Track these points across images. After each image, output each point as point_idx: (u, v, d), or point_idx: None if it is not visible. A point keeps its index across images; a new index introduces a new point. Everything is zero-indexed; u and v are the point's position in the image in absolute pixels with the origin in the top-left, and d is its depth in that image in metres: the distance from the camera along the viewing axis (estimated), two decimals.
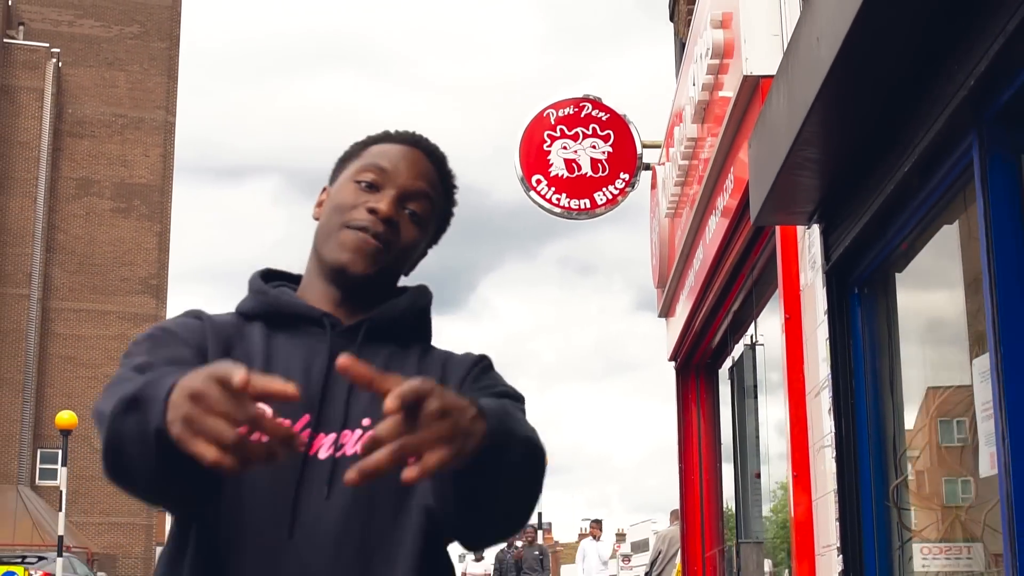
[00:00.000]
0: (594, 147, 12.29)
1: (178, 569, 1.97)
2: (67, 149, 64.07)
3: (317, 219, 2.21)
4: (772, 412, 8.29)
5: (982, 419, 4.18)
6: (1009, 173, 3.96)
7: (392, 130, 2.25)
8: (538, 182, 12.21)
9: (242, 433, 1.58)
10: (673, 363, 11.89)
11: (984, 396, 4.12)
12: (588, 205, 12.15)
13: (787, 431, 6.51)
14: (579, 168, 12.24)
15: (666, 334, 12.22)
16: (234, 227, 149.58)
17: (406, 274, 2.22)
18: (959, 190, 4.46)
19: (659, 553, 18.97)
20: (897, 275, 5.63)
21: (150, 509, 59.98)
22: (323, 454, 2.00)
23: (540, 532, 26.37)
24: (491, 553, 24.09)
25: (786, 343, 6.46)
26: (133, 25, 66.78)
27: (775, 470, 8.42)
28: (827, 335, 5.76)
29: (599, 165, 12.24)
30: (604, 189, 12.19)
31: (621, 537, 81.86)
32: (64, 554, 24.45)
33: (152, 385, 1.74)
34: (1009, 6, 3.58)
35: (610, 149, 12.25)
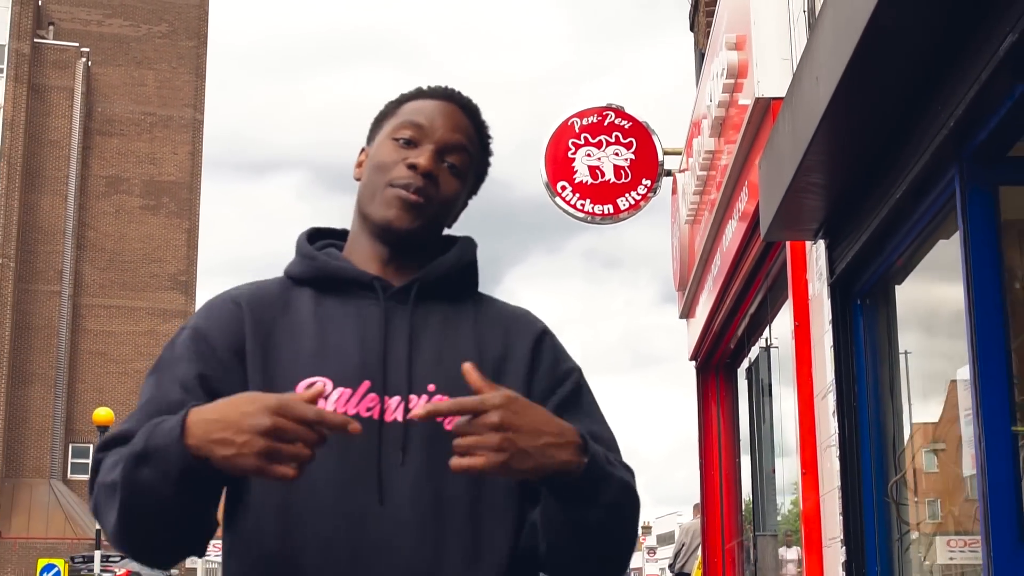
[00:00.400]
0: (617, 154, 12.72)
1: (249, 537, 2.00)
2: (97, 147, 64.76)
3: (358, 179, 2.23)
4: (786, 411, 8.74)
5: (964, 424, 4.64)
6: (986, 204, 4.42)
7: (425, 86, 2.27)
8: (563, 188, 12.64)
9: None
10: (693, 362, 12.34)
11: (965, 403, 4.58)
12: (611, 210, 12.57)
13: (797, 431, 6.97)
14: (603, 175, 12.66)
15: (687, 334, 12.68)
16: (260, 222, 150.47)
17: (449, 226, 2.24)
18: (947, 215, 4.91)
19: (682, 545, 19.40)
20: (897, 287, 6.08)
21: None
22: (389, 417, 2.02)
23: None
24: None
25: (796, 349, 6.92)
26: (161, 24, 67.39)
27: (790, 466, 8.87)
28: (832, 342, 6.22)
29: (622, 172, 12.66)
30: (627, 195, 12.61)
31: (647, 530, 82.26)
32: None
33: (153, 436, 1.84)
34: (984, 56, 4.03)
35: (632, 156, 12.66)
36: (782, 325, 8.44)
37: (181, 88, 67.03)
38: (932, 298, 5.90)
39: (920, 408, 5.93)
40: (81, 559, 31.90)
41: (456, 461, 1.79)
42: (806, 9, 6.73)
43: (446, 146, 2.17)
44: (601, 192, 12.59)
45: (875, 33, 4.11)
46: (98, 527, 24.86)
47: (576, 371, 2.17)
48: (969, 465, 4.61)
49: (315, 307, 2.09)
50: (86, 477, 61.49)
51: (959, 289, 5.18)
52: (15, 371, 59.56)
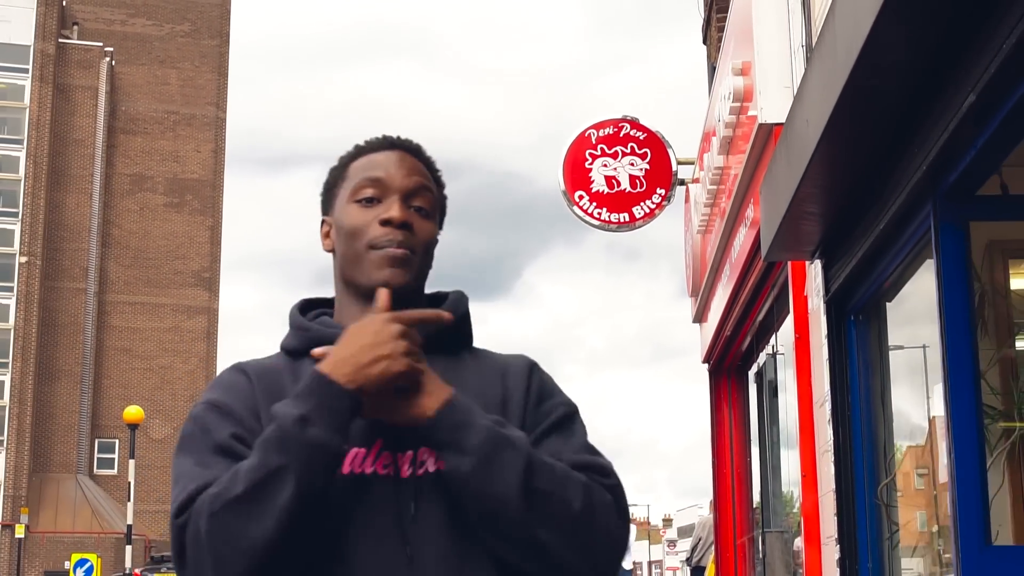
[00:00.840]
0: (632, 164, 13.18)
1: None
2: (121, 146, 65.48)
3: (329, 251, 2.24)
4: (791, 415, 9.23)
5: (941, 436, 5.12)
6: (958, 238, 4.91)
7: (361, 142, 2.28)
8: (580, 198, 13.11)
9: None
10: (706, 365, 12.83)
11: (941, 414, 5.07)
12: (627, 219, 13.04)
13: (797, 436, 7.47)
14: (618, 184, 13.13)
15: (700, 338, 13.17)
16: (281, 217, 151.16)
17: (431, 267, 2.25)
18: (925, 244, 5.40)
19: (699, 540, 19.92)
20: (888, 305, 6.56)
21: None
22: (405, 473, 2.04)
23: None
24: None
25: (796, 359, 7.42)
26: (184, 23, 68.03)
27: (795, 467, 9.36)
28: (827, 355, 6.71)
29: (637, 181, 13.12)
30: (642, 203, 13.07)
31: (668, 523, 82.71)
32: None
33: (300, 399, 1.95)
34: (951, 109, 4.52)
35: (647, 166, 13.12)
36: (786, 334, 8.93)
37: (204, 86, 67.72)
38: (918, 315, 6.38)
39: (907, 417, 6.41)
40: (161, 558, 32.52)
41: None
42: (803, 44, 7.21)
43: (409, 192, 2.18)
44: (617, 201, 13.06)
45: (855, 88, 4.60)
46: (129, 523, 25.41)
47: (570, 404, 2.21)
48: (944, 474, 5.09)
49: None
50: (112, 472, 62.12)
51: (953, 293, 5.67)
52: (42, 367, 60.33)
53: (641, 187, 13.12)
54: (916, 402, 6.42)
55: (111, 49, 65.34)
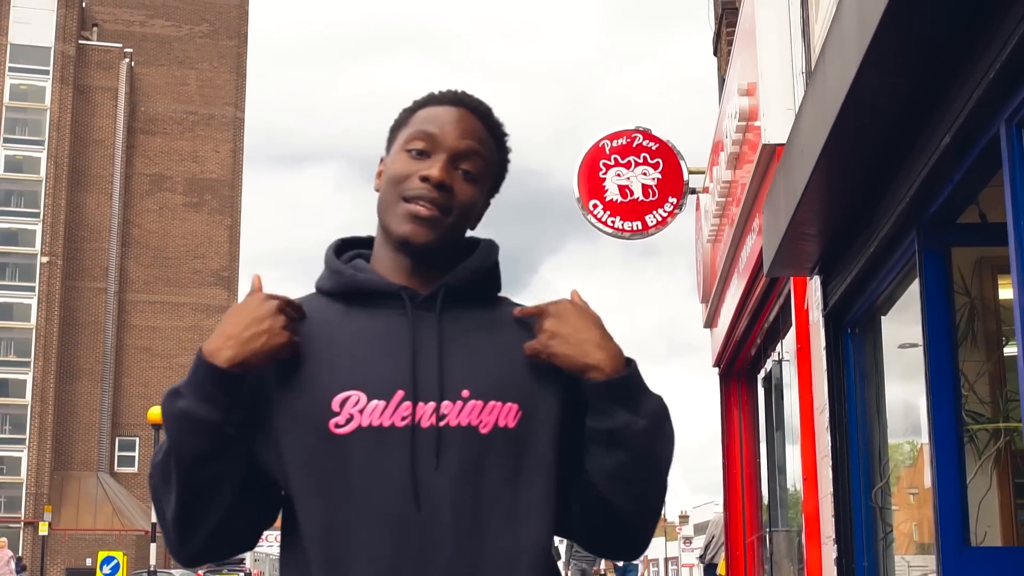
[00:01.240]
0: (645, 174, 13.58)
1: (300, 552, 2.07)
2: (140, 146, 66.05)
3: (377, 190, 2.23)
4: (796, 419, 9.63)
5: (927, 443, 5.53)
6: (939, 263, 5.32)
7: (436, 91, 2.28)
8: (595, 206, 13.52)
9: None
10: (717, 368, 13.24)
11: (925, 426, 5.48)
12: (640, 227, 13.44)
13: (799, 441, 7.88)
14: (631, 193, 13.53)
15: (710, 342, 13.57)
16: (298, 213, 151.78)
17: (472, 227, 2.25)
18: (912, 267, 5.81)
19: (712, 537, 20.30)
20: (883, 318, 6.96)
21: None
22: (425, 423, 2.05)
23: None
24: None
25: (798, 368, 7.82)
26: (203, 24, 68.56)
27: (799, 469, 9.76)
28: (826, 366, 7.12)
29: (649, 190, 13.52)
30: (654, 212, 13.47)
31: (684, 519, 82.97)
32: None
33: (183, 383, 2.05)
34: (932, 146, 4.92)
35: (659, 176, 13.51)
36: (791, 341, 9.33)
37: (222, 87, 68.26)
38: (911, 329, 6.78)
39: (899, 425, 6.82)
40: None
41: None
42: (803, 71, 7.61)
43: (458, 153, 2.18)
44: (630, 210, 13.45)
45: (843, 127, 5.01)
46: (154, 521, 25.95)
47: None
48: (928, 479, 5.50)
49: (346, 320, 2.13)
50: (132, 469, 62.77)
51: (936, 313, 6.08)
52: (63, 366, 60.95)
53: (653, 196, 13.52)
54: (908, 410, 6.82)
55: (130, 50, 65.91)
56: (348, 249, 2.27)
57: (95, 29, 66.64)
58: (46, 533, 43.09)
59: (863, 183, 5.72)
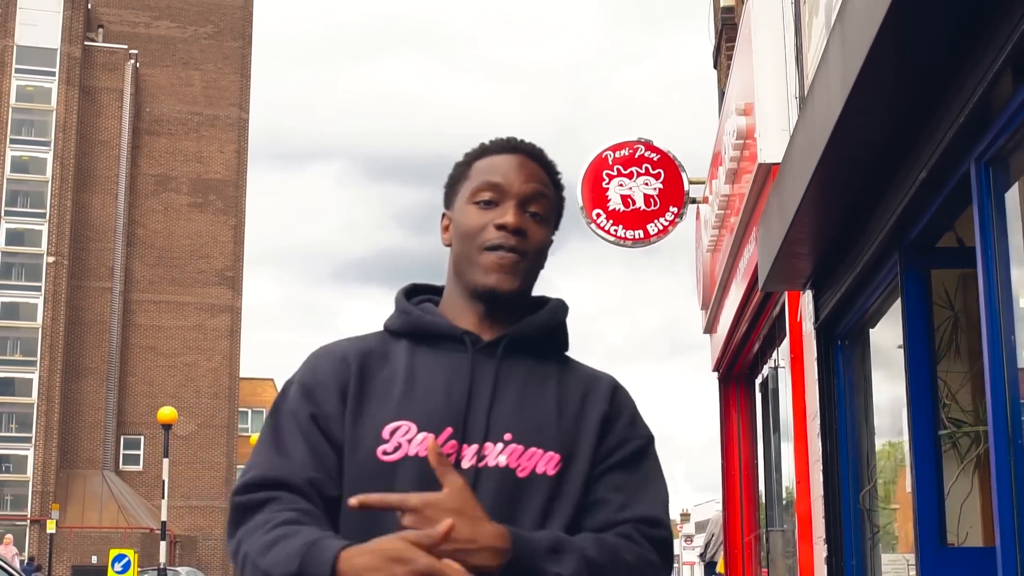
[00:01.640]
0: (647, 184, 13.99)
1: None
2: (145, 147, 66.45)
3: (447, 245, 2.32)
4: (791, 423, 10.05)
5: (907, 452, 5.96)
6: (920, 283, 5.76)
7: (487, 142, 2.36)
8: (598, 215, 13.93)
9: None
10: (716, 373, 13.66)
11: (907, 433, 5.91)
12: (642, 236, 13.86)
13: (793, 446, 8.31)
14: (634, 203, 13.94)
15: (710, 347, 14.00)
16: (301, 211, 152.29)
17: (543, 268, 2.31)
18: (896, 285, 6.23)
19: (712, 536, 20.73)
20: (871, 331, 7.38)
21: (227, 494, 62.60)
22: (466, 463, 2.13)
23: None
24: None
25: (792, 378, 8.25)
26: (207, 25, 68.95)
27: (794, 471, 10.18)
28: (817, 375, 7.55)
29: (651, 200, 13.94)
30: (656, 221, 13.88)
31: (686, 517, 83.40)
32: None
33: (311, 565, 1.97)
34: (910, 179, 5.35)
35: (661, 186, 13.92)
36: (786, 350, 9.75)
37: (227, 88, 68.65)
38: (897, 342, 7.21)
39: (886, 431, 7.24)
40: None
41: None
42: (796, 96, 8.04)
43: (526, 198, 2.26)
44: (632, 219, 13.87)
45: (830, 160, 5.44)
46: (164, 520, 26.38)
47: (646, 438, 2.30)
48: (908, 485, 5.93)
49: (409, 357, 2.23)
50: (137, 468, 63.01)
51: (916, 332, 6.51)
52: (69, 365, 61.39)
53: (655, 205, 13.93)
54: (895, 418, 7.25)
55: (135, 51, 66.30)
56: (418, 294, 2.37)
57: (100, 31, 67.06)
58: (54, 531, 43.53)
59: (850, 209, 6.14)
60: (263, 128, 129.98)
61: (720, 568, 17.40)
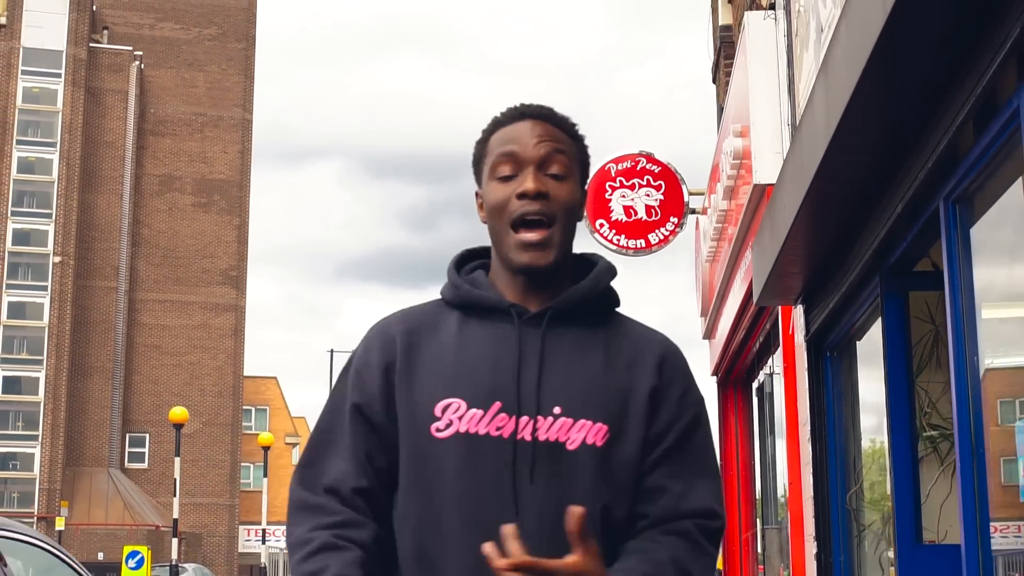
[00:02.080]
0: (648, 195, 14.54)
1: (395, 546, 2.26)
2: (150, 147, 67.00)
3: (484, 223, 2.36)
4: (784, 428, 10.60)
5: (887, 456, 6.53)
6: (899, 304, 6.32)
7: (499, 114, 2.40)
8: (601, 225, 14.49)
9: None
10: (715, 377, 14.23)
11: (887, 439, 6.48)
12: (643, 245, 14.41)
13: (785, 449, 8.87)
14: (635, 213, 14.49)
15: (709, 352, 14.57)
16: (302, 209, 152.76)
17: (580, 220, 2.36)
18: (878, 304, 6.80)
19: None
20: (857, 343, 7.94)
21: (232, 490, 63.67)
22: (518, 438, 2.20)
23: None
24: None
25: (785, 385, 8.81)
26: (211, 27, 69.48)
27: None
28: (807, 384, 8.12)
29: (652, 211, 14.49)
30: (657, 231, 14.44)
31: None
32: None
33: None
34: (889, 211, 5.91)
35: (662, 197, 14.48)
36: (780, 358, 10.31)
37: (230, 89, 69.19)
38: (880, 354, 7.78)
39: (870, 437, 7.81)
40: None
41: None
42: (789, 123, 8.60)
43: (542, 160, 2.30)
44: (634, 229, 14.43)
45: (816, 191, 6.00)
46: (176, 517, 26.95)
47: (698, 406, 2.36)
48: (889, 486, 6.50)
49: (459, 329, 2.29)
50: (142, 465, 63.46)
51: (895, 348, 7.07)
52: (75, 364, 61.95)
53: (656, 216, 14.49)
54: (879, 424, 7.81)
55: (140, 53, 66.81)
56: (471, 259, 2.44)
57: (105, 32, 67.58)
58: (63, 528, 44.09)
59: (836, 235, 6.71)
60: (264, 127, 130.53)
61: (719, 565, 17.97)
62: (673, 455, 2.27)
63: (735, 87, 10.61)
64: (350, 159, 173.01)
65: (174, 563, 26.67)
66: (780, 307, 9.05)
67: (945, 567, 5.86)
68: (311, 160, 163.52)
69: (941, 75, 4.78)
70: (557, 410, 2.22)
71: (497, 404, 2.21)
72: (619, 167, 14.73)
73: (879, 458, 7.73)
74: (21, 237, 62.03)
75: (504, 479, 2.18)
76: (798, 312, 8.46)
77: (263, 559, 44.67)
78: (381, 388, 2.29)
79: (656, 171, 14.67)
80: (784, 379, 8.84)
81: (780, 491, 11.02)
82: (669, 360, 2.34)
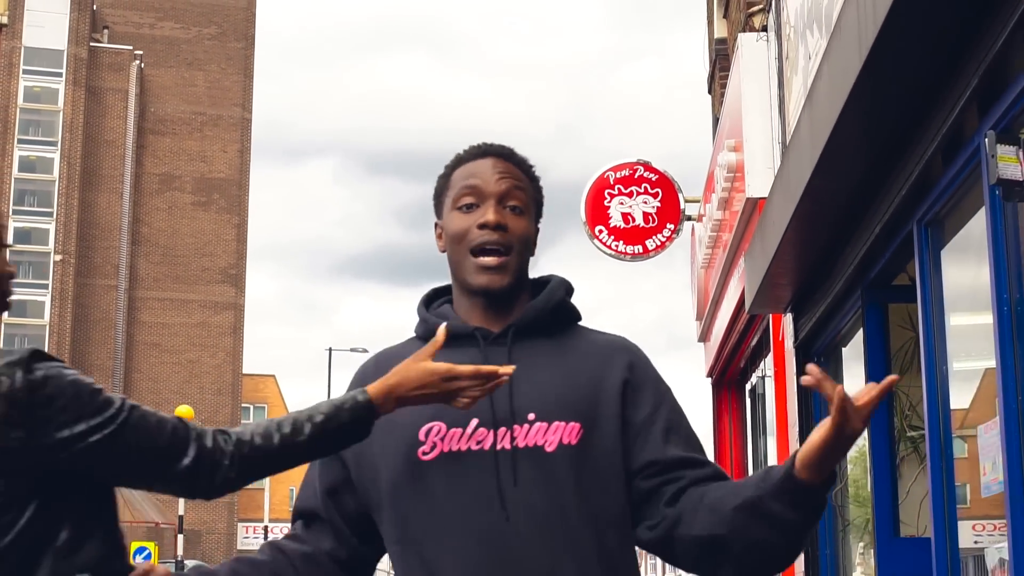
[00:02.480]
0: (645, 203, 15.05)
1: (399, 560, 2.39)
2: (150, 146, 67.35)
3: (443, 252, 2.51)
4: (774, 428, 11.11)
5: (868, 458, 7.04)
6: (878, 315, 6.84)
7: (461, 152, 2.55)
8: (600, 232, 14.99)
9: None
10: (709, 379, 14.75)
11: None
12: (641, 250, 14.92)
13: (776, 450, 9.39)
14: (633, 220, 15.00)
15: (704, 355, 15.09)
16: (299, 207, 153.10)
17: (532, 255, 2.51)
18: (860, 315, 7.32)
19: None
20: (843, 350, 8.46)
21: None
22: (499, 446, 2.34)
23: None
24: None
25: (775, 389, 9.33)
26: (211, 27, 69.84)
27: None
28: (795, 388, 8.64)
29: (650, 217, 15.00)
30: (654, 237, 14.95)
31: None
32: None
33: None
34: (869, 230, 6.42)
35: (659, 204, 14.98)
36: (771, 362, 10.82)
37: (230, 88, 69.56)
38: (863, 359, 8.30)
39: None
40: None
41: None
42: (779, 141, 9.12)
43: (502, 194, 2.46)
44: (632, 235, 14.92)
45: (803, 212, 6.52)
46: (181, 514, 27.38)
47: (669, 392, 2.52)
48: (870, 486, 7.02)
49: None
50: None
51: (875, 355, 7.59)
52: (75, 362, 62.35)
53: (653, 223, 14.99)
54: None
55: (140, 52, 67.17)
56: (439, 297, 2.60)
57: (106, 32, 67.96)
58: None
59: (821, 251, 7.24)
60: (261, 124, 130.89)
61: None
62: (672, 435, 2.44)
63: (729, 103, 11.12)
64: (347, 156, 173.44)
65: (179, 559, 27.15)
66: (771, 316, 9.57)
67: (919, 558, 6.38)
68: (308, 157, 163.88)
69: (912, 114, 5.29)
70: (531, 416, 2.36)
71: (475, 421, 2.36)
72: (618, 175, 15.23)
73: (862, 458, 8.25)
74: (22, 236, 62.47)
75: (489, 486, 2.32)
76: (787, 320, 8.97)
77: None
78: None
79: (653, 179, 15.17)
80: (774, 382, 9.36)
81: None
82: (636, 355, 2.51)
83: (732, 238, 10.90)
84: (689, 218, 15.03)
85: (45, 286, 61.83)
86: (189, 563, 43.02)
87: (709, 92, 16.27)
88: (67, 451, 2.15)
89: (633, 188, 15.13)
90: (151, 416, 2.21)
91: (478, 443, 2.36)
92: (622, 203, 15.07)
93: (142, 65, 67.09)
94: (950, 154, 5.25)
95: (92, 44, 65.55)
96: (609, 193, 15.14)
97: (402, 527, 2.38)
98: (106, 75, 65.90)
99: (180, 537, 27.14)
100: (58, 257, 61.89)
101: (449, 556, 2.31)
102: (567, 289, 2.54)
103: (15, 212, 62.58)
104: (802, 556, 8.46)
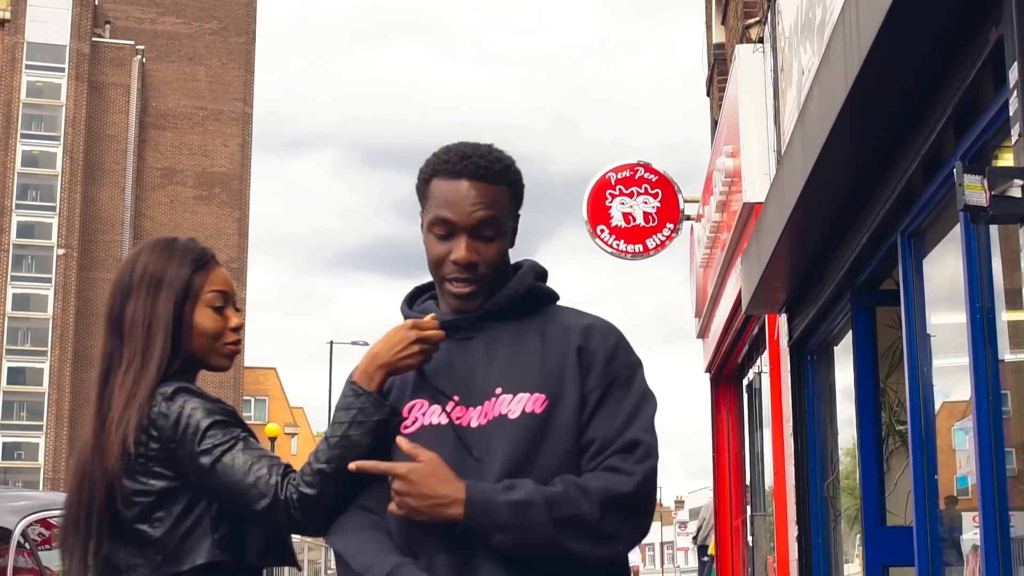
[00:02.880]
0: (646, 203, 15.46)
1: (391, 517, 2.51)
2: (152, 141, 67.75)
3: (425, 244, 2.61)
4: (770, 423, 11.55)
5: (856, 449, 7.49)
6: (867, 318, 7.29)
7: (442, 153, 2.58)
8: (601, 231, 15.41)
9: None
10: (708, 374, 15.20)
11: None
12: (641, 249, 15.34)
13: (772, 443, 9.84)
14: (634, 220, 15.41)
15: (703, 350, 15.53)
16: (297, 199, 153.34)
17: (512, 246, 2.63)
18: (849, 319, 7.76)
19: (703, 520, 22.29)
20: (835, 349, 8.91)
21: None
22: (475, 424, 2.51)
23: None
24: None
25: (770, 385, 9.78)
26: (212, 21, 70.20)
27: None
28: (790, 385, 9.09)
29: (650, 217, 15.42)
30: (654, 236, 15.37)
31: (680, 504, 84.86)
32: None
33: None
34: (857, 239, 6.86)
35: (659, 204, 15.39)
36: (767, 360, 11.26)
37: (231, 83, 69.95)
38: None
39: (845, 432, 8.77)
40: None
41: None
42: (775, 149, 9.56)
43: (476, 226, 2.52)
44: (633, 234, 15.34)
45: (795, 221, 6.96)
46: None
47: (631, 367, 2.57)
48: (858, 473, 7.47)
49: None
50: None
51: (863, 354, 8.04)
52: (79, 355, 62.76)
53: (653, 222, 15.41)
54: (852, 421, 8.77)
55: (142, 47, 67.54)
56: (422, 294, 2.73)
57: (108, 27, 68.32)
58: None
59: (813, 257, 7.68)
60: (259, 117, 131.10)
61: (712, 551, 18.93)
62: (608, 406, 2.50)
63: (727, 109, 11.56)
64: (345, 148, 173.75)
65: None
66: (766, 316, 10.01)
67: (904, 545, 6.83)
68: (306, 149, 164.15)
69: (896, 136, 5.74)
70: (499, 391, 2.50)
71: (456, 398, 2.53)
72: (618, 176, 15.64)
73: (852, 451, 8.70)
74: (25, 229, 62.88)
75: (462, 454, 2.48)
76: (782, 320, 9.42)
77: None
78: None
79: (653, 180, 15.59)
80: (770, 379, 9.81)
81: (767, 481, 11.98)
82: (597, 328, 2.58)
83: (730, 239, 11.33)
84: (688, 218, 15.43)
85: (48, 280, 62.22)
86: None
87: (708, 95, 16.69)
88: (181, 470, 2.69)
89: (634, 188, 15.53)
90: (245, 462, 2.65)
91: (457, 418, 2.52)
92: (623, 203, 15.47)
93: (144, 60, 67.47)
94: (930, 172, 5.68)
95: (94, 39, 65.92)
96: (610, 193, 15.54)
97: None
98: (108, 70, 66.27)
99: None
100: (61, 251, 62.28)
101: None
102: (537, 274, 2.64)
103: (18, 206, 62.99)
104: (796, 546, 8.91)
